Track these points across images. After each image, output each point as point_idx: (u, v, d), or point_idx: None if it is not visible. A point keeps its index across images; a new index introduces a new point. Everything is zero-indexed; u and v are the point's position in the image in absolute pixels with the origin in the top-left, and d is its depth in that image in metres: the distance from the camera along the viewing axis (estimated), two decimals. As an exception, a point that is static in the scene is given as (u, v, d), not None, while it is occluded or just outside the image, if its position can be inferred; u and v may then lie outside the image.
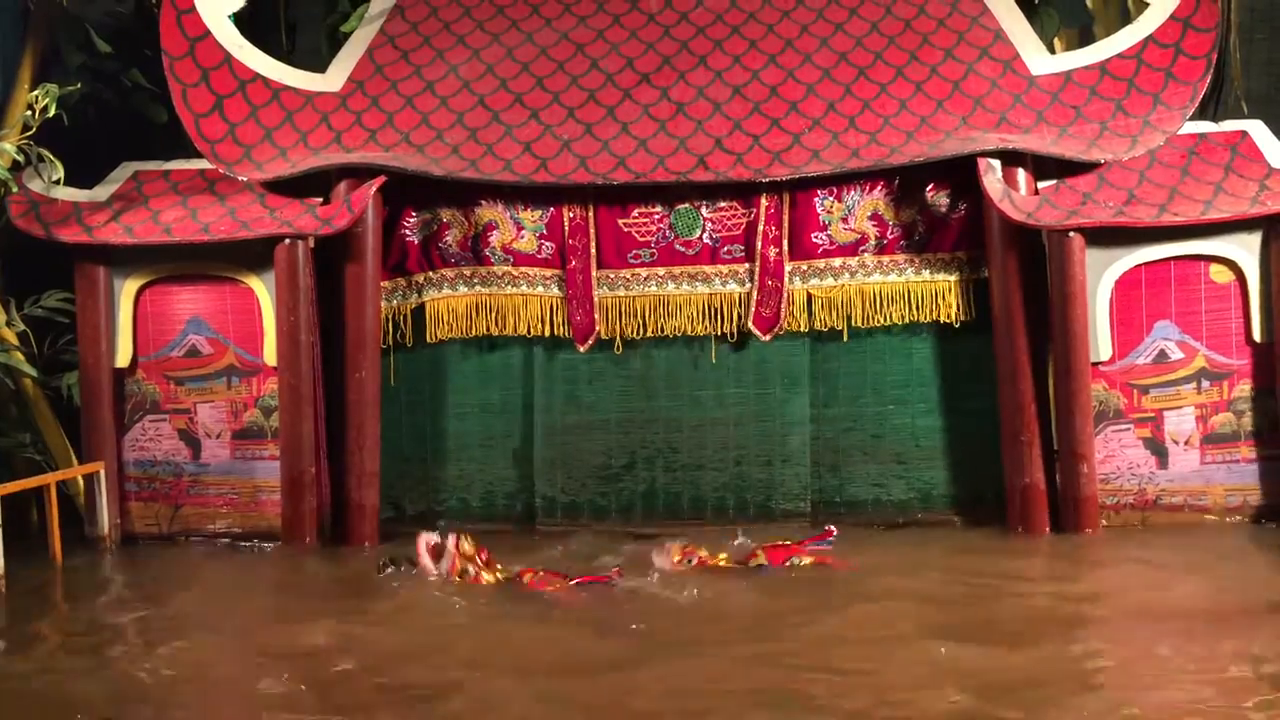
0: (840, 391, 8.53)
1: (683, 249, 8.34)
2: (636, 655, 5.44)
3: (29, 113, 7.94)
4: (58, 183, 8.09)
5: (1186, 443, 7.85)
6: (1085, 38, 9.58)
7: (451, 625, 6.08)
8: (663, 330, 8.39)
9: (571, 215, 8.31)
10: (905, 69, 8.47)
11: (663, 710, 4.77)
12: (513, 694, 4.93)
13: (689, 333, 8.41)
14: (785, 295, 8.24)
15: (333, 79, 8.64)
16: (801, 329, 8.37)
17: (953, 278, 8.28)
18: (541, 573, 6.75)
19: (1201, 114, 8.55)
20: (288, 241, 7.86)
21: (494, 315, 8.42)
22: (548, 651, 5.57)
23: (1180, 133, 8.08)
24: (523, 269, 8.40)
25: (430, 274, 8.47)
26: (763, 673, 5.15)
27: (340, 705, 4.92)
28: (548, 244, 8.37)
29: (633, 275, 8.37)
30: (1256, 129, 8.12)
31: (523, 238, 8.36)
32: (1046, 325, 7.86)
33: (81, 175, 8.27)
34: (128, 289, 8.16)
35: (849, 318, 8.33)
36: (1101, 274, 7.77)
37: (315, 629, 5.97)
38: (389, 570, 6.91)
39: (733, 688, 4.96)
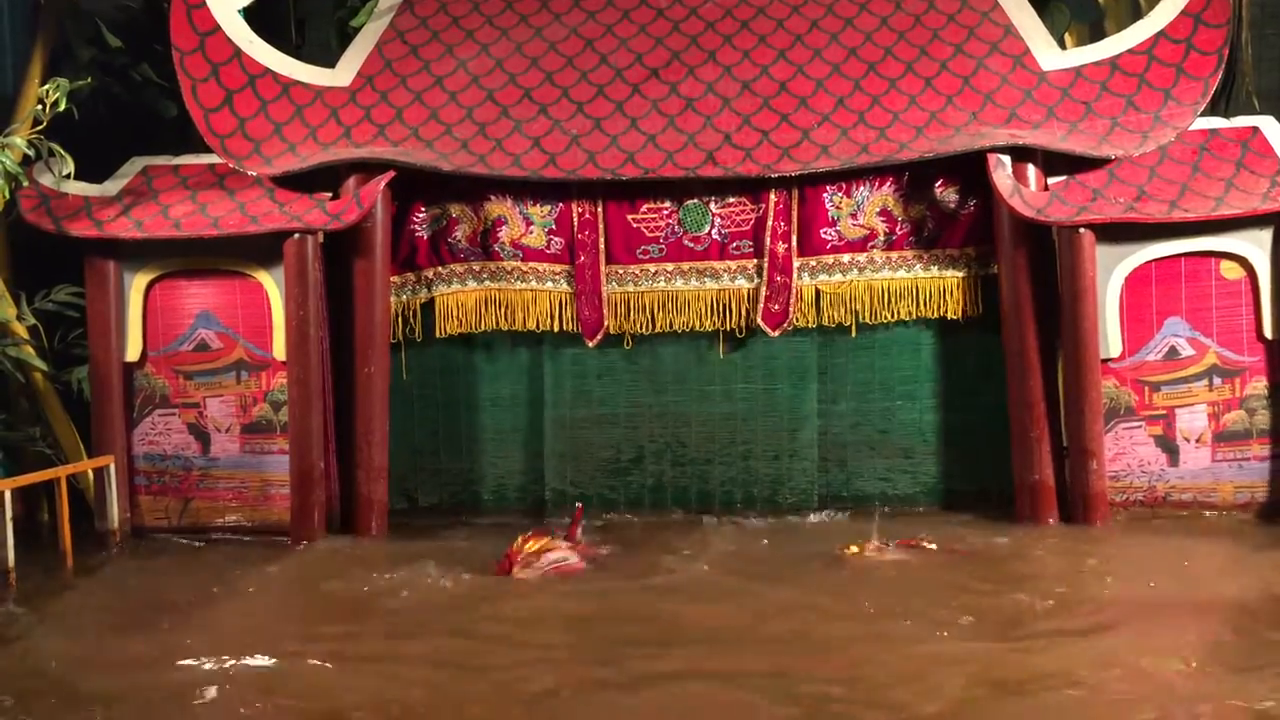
0: (848, 387, 8.54)
1: (691, 244, 8.34)
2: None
3: (39, 107, 7.93)
4: (68, 177, 8.09)
5: (1198, 440, 7.84)
6: (1096, 33, 9.55)
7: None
8: (671, 325, 8.39)
9: (580, 210, 8.32)
10: (915, 64, 8.45)
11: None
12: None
13: (697, 328, 8.41)
14: (794, 291, 8.24)
15: (342, 74, 8.64)
16: (810, 324, 8.37)
17: (961, 274, 8.27)
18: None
19: (1213, 110, 8.52)
20: (297, 236, 7.87)
21: (503, 310, 8.43)
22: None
23: (1191, 129, 8.04)
24: (532, 264, 8.40)
25: (439, 269, 8.48)
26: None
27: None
28: (556, 239, 8.37)
29: (641, 271, 8.37)
30: (1268, 125, 8.09)
31: (531, 233, 8.37)
32: (1056, 322, 7.85)
33: (91, 170, 8.28)
34: (138, 283, 8.18)
35: (857, 313, 8.33)
36: (1112, 270, 7.76)
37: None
38: None
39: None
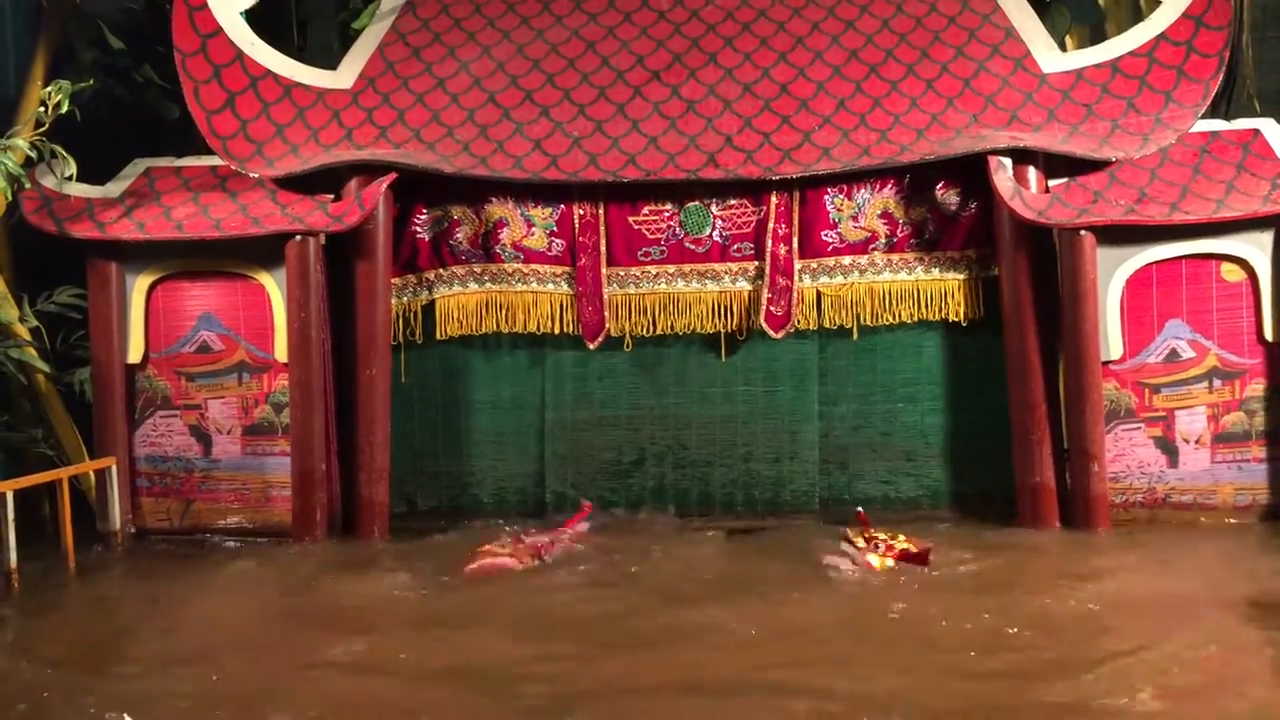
0: (849, 389, 8.54)
1: (693, 246, 8.35)
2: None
3: (42, 109, 7.94)
4: (70, 179, 8.09)
5: (1197, 442, 7.84)
6: (1097, 35, 9.56)
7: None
8: (672, 328, 8.40)
9: (581, 212, 8.33)
10: (916, 66, 8.45)
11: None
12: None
13: (698, 330, 8.42)
14: (795, 293, 8.25)
15: (344, 76, 8.65)
16: (811, 327, 8.37)
17: (962, 276, 8.28)
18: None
19: (1214, 112, 8.52)
20: (299, 238, 7.88)
21: (504, 312, 8.44)
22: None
23: (1192, 131, 8.05)
24: (533, 266, 8.42)
25: (441, 271, 8.49)
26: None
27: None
28: (558, 241, 8.38)
29: (643, 273, 8.38)
30: (1269, 127, 8.09)
31: (533, 235, 8.38)
32: (1057, 324, 7.86)
33: (94, 171, 8.30)
34: (140, 285, 8.19)
35: (858, 316, 8.34)
36: (1113, 272, 7.76)
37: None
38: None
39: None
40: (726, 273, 8.36)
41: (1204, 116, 8.11)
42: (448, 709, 4.86)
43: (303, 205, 8.09)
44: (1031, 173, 7.98)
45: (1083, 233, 7.64)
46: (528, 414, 8.65)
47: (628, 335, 8.45)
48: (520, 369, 8.65)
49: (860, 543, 7.02)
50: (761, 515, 8.41)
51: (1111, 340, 7.79)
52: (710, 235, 8.34)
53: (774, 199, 8.23)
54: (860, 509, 7.46)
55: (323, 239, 7.97)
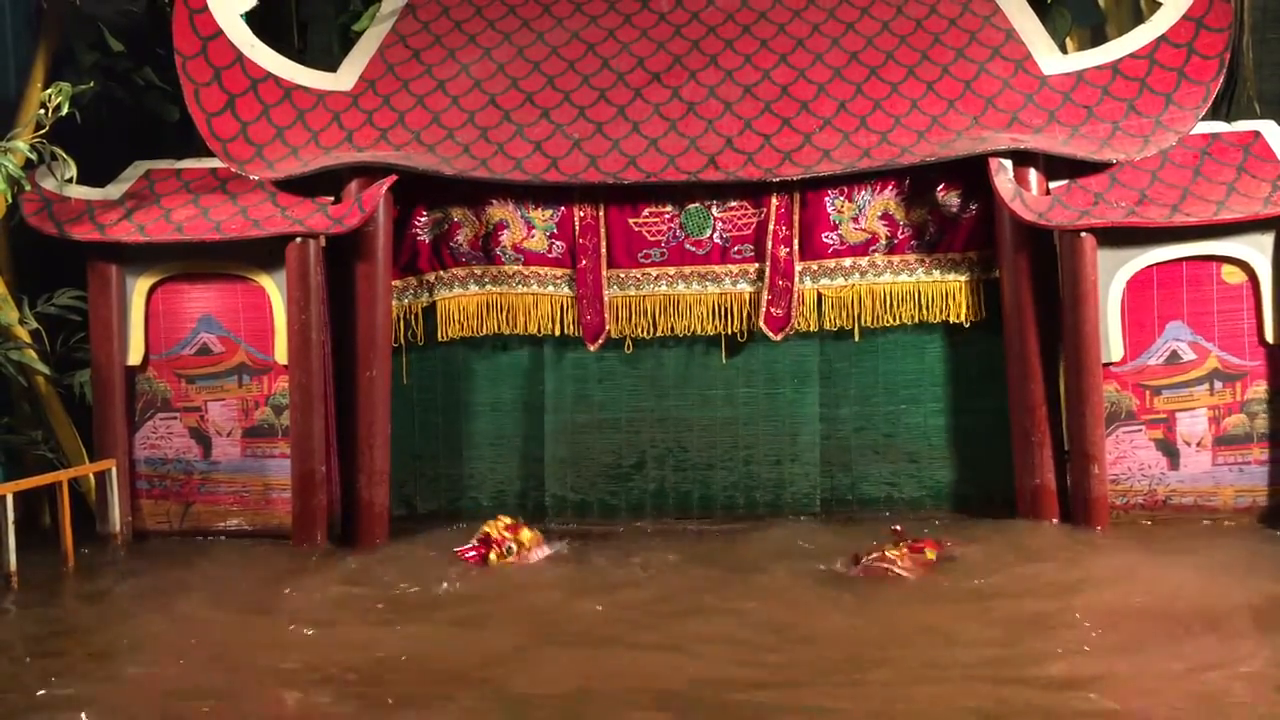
0: (851, 391, 8.53)
1: (693, 248, 8.35)
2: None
3: (42, 111, 7.94)
4: (70, 181, 8.10)
5: (1199, 444, 7.83)
6: (1097, 37, 9.56)
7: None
8: (673, 330, 8.40)
9: (582, 214, 8.33)
10: (916, 68, 8.45)
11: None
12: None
13: (699, 332, 8.41)
14: (796, 295, 8.24)
15: (344, 78, 8.65)
16: (811, 329, 8.37)
17: (963, 278, 8.28)
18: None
19: (1214, 114, 8.50)
20: (299, 240, 7.87)
21: (505, 314, 8.44)
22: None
23: (1193, 133, 8.05)
24: (533, 268, 8.41)
25: (441, 273, 8.49)
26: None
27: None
28: (558, 243, 8.38)
29: (643, 275, 8.38)
30: (1269, 129, 8.09)
31: (533, 237, 8.38)
32: (1058, 325, 7.85)
33: (94, 174, 8.29)
34: (140, 287, 8.18)
35: (859, 317, 8.33)
36: (1113, 274, 7.76)
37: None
38: None
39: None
40: (727, 275, 8.36)
41: (1204, 119, 8.11)
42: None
43: (303, 207, 8.08)
44: (1032, 174, 7.98)
45: (1083, 234, 7.64)
46: (528, 416, 8.64)
47: (628, 337, 8.45)
48: (520, 371, 8.64)
49: (893, 553, 6.94)
50: (762, 517, 8.41)
51: (1112, 342, 7.78)
52: (711, 237, 8.34)
53: (774, 201, 8.22)
54: (898, 527, 7.44)
55: (323, 241, 7.96)
